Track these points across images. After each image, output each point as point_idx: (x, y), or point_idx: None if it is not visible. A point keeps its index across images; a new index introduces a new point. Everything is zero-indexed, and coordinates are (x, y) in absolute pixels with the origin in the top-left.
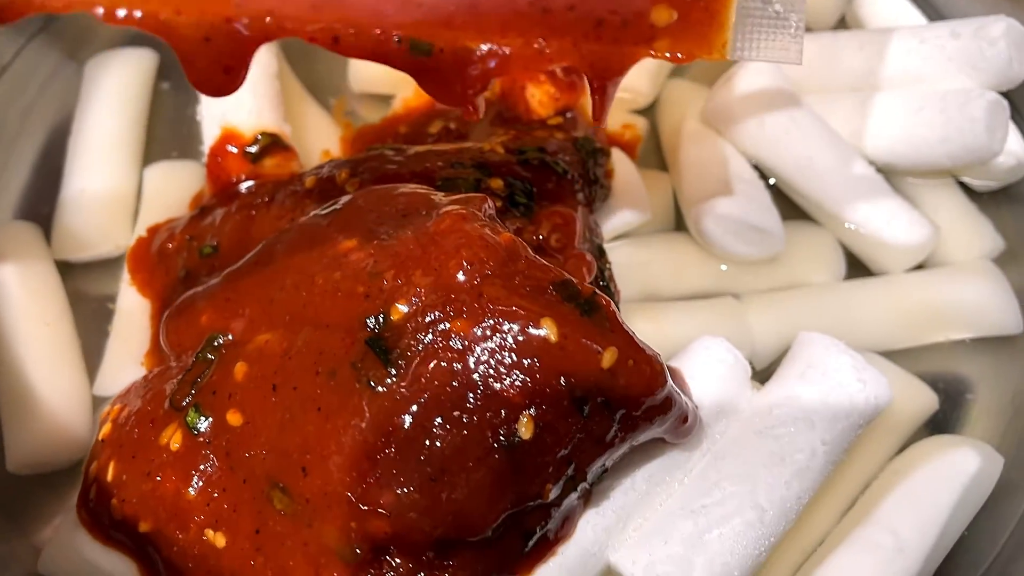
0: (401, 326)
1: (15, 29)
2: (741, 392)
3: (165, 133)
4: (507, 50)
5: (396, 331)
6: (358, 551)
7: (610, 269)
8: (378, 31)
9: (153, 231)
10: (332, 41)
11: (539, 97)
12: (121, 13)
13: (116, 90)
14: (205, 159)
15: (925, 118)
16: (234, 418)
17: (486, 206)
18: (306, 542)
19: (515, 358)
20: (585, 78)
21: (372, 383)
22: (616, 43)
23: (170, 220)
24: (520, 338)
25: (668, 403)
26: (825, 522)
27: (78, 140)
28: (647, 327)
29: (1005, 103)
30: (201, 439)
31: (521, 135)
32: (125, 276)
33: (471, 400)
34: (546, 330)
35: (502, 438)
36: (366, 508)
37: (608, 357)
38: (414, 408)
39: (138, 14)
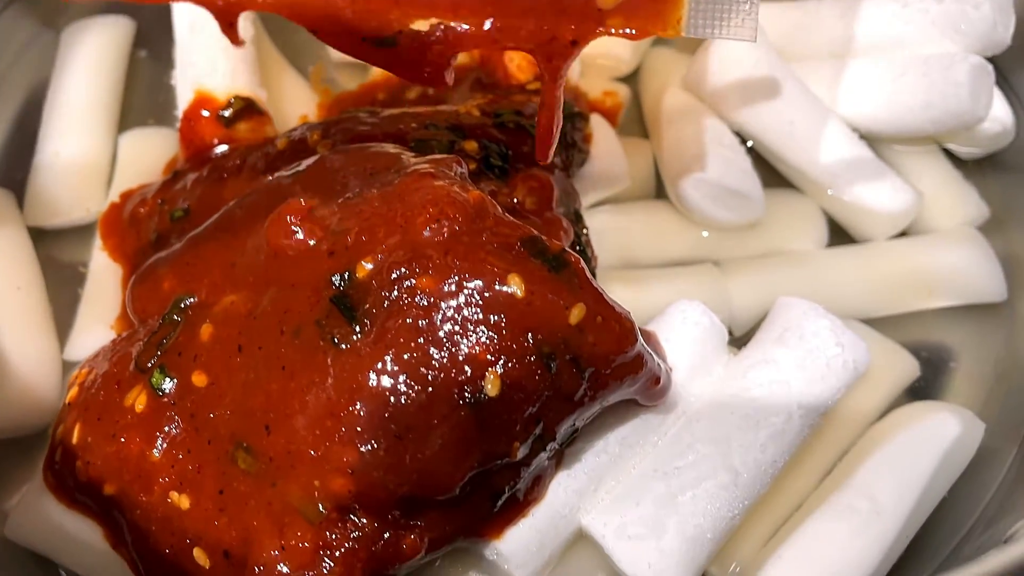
0: (366, 283)
1: None
2: (717, 356)
3: (141, 101)
4: (464, 27)
5: (361, 289)
6: (322, 510)
7: (587, 235)
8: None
9: (126, 196)
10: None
11: (517, 62)
12: None
13: (92, 57)
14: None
15: (908, 83)
16: (199, 379)
17: (456, 166)
18: (270, 502)
19: (481, 314)
20: (537, 63)
21: (336, 340)
22: (565, 19)
23: (143, 186)
24: (487, 294)
25: (638, 362)
26: (802, 487)
27: (53, 107)
28: (625, 293)
29: (990, 67)
30: (166, 400)
31: (499, 99)
32: (97, 242)
33: (437, 357)
34: (513, 286)
35: (468, 395)
36: (329, 466)
37: (576, 313)
38: (379, 365)
39: None
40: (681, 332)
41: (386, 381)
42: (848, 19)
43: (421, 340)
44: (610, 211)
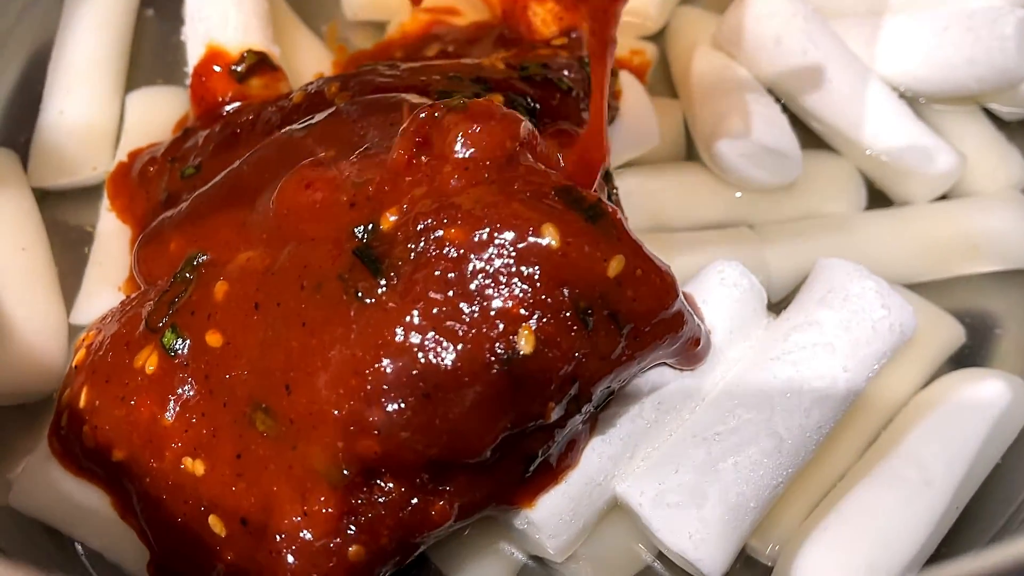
0: (391, 235)
1: None
2: (757, 318)
3: (149, 61)
4: None
5: (386, 240)
6: (346, 473)
7: (616, 195)
8: None
9: (134, 155)
10: None
11: (542, 16)
12: None
13: (99, 14)
14: (189, 80)
15: (951, 38)
16: (213, 339)
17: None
18: (291, 465)
19: (515, 267)
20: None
21: (360, 294)
22: None
23: (152, 144)
24: (520, 245)
25: (679, 320)
26: (847, 455)
27: (58, 65)
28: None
29: None
30: (178, 361)
31: (524, 53)
32: (105, 202)
33: (467, 311)
34: (548, 237)
35: (501, 352)
36: (354, 427)
37: (615, 266)
38: (406, 320)
39: None
40: (719, 294)
41: (414, 337)
42: None
43: (451, 293)
44: (640, 173)
